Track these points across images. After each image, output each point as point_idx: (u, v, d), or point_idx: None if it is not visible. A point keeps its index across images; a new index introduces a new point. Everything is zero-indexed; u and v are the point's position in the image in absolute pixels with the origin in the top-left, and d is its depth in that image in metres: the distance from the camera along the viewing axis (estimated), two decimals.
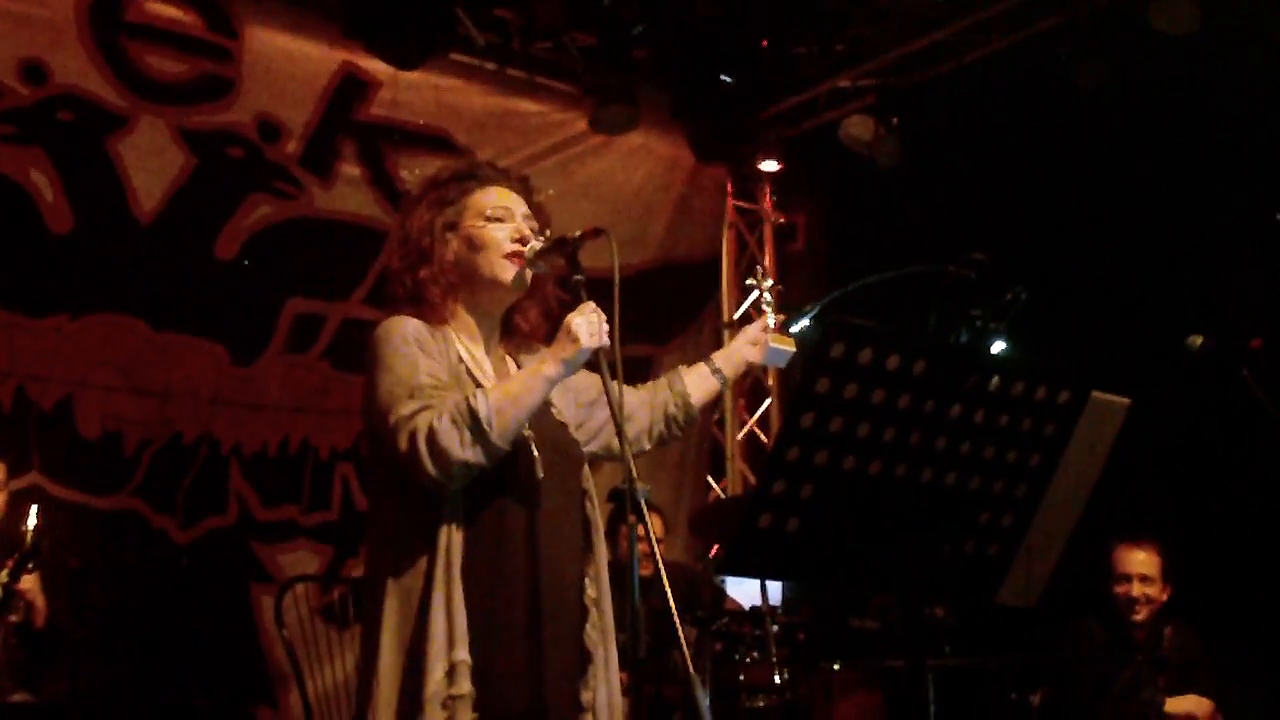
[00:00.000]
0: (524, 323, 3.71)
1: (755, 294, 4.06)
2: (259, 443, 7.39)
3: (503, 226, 3.54)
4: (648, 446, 3.90)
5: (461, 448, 3.17)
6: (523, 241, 3.51)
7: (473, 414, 3.18)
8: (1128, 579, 6.09)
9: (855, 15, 8.55)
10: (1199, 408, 6.65)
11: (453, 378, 3.38)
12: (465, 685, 3.18)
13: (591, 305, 3.34)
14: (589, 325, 3.30)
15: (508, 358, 3.68)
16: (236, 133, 7.50)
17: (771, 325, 3.93)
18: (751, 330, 4.00)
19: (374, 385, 3.35)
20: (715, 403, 4.52)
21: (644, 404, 3.86)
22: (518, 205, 3.62)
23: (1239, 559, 6.88)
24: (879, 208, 9.07)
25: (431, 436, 3.17)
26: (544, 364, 3.33)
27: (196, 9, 7.42)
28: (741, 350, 3.98)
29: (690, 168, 9.45)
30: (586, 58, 8.55)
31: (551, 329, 3.62)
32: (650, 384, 3.93)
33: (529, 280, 3.57)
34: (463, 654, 3.19)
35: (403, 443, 3.20)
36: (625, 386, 3.78)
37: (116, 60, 7.13)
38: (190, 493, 7.11)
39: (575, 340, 3.29)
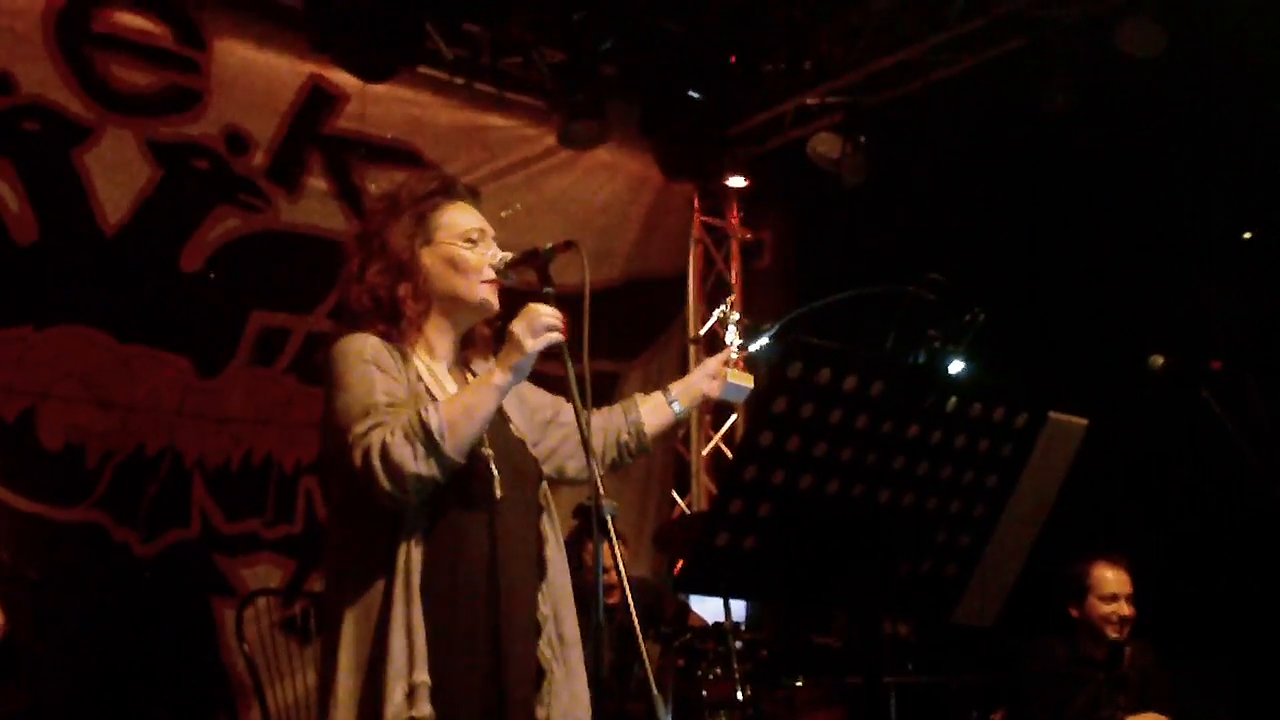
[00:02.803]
0: (475, 332, 3.74)
1: (725, 326, 4.08)
2: (222, 456, 7.36)
3: (478, 250, 3.57)
4: (600, 472, 3.91)
5: (415, 461, 3.18)
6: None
7: (425, 428, 3.19)
8: (1115, 598, 6.09)
9: (823, 33, 8.58)
10: (1158, 428, 6.69)
11: (411, 395, 3.38)
12: (425, 708, 3.18)
13: (531, 306, 3.36)
14: (530, 326, 3.31)
15: (465, 371, 3.70)
16: (203, 145, 7.48)
17: (734, 358, 3.96)
18: (711, 364, 4.03)
19: (330, 403, 3.36)
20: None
21: (598, 429, 3.87)
22: (487, 227, 3.65)
23: (1197, 579, 6.92)
24: (845, 225, 9.11)
25: (385, 452, 3.18)
26: (494, 374, 3.35)
27: (165, 20, 7.38)
28: (699, 383, 4.01)
29: (658, 184, 9.47)
30: (555, 73, 8.54)
31: (492, 335, 3.68)
32: (605, 409, 3.94)
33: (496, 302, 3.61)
34: (422, 675, 3.19)
35: (357, 459, 3.21)
36: (568, 416, 3.82)
37: (83, 71, 7.09)
38: (153, 505, 7.06)
39: (519, 346, 3.31)
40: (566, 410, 3.88)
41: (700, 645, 6.53)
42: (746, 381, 3.96)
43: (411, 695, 3.18)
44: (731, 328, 4.04)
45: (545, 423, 3.78)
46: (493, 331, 3.75)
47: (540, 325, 3.32)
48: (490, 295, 3.57)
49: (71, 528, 6.85)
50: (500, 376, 3.33)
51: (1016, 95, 7.83)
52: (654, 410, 3.97)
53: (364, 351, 3.39)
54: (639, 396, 4.01)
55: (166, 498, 7.15)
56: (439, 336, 3.61)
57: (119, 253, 7.13)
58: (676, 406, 3.99)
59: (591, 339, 3.33)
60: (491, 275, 3.55)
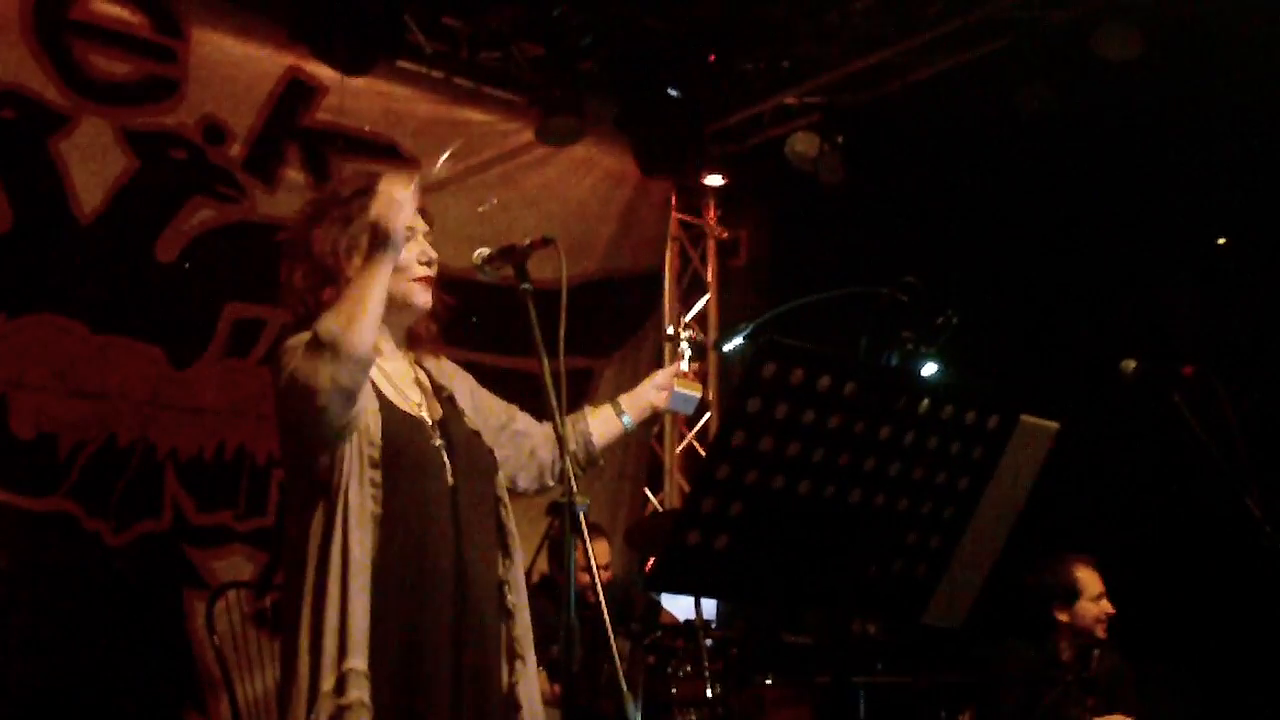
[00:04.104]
0: (421, 330, 3.75)
1: (676, 342, 4.09)
2: (195, 447, 7.33)
3: (410, 247, 3.55)
4: (550, 484, 3.92)
5: (323, 369, 3.18)
6: (429, 264, 3.54)
7: (318, 338, 3.20)
8: (1101, 597, 6.12)
9: (802, 33, 8.59)
10: (1130, 433, 6.72)
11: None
12: (354, 694, 3.16)
13: (381, 189, 3.34)
14: (388, 208, 3.30)
15: (415, 366, 3.70)
16: (180, 135, 7.45)
17: (685, 369, 3.97)
18: (661, 376, 4.06)
19: (280, 375, 3.35)
20: (655, 418, 4.57)
21: (547, 440, 3.87)
22: (420, 223, 3.63)
23: (1165, 583, 6.95)
24: (822, 224, 9.13)
25: (297, 368, 3.22)
26: (373, 261, 3.30)
27: (143, 9, 7.36)
28: (647, 394, 4.04)
29: (635, 180, 9.46)
30: (534, 68, 8.56)
31: (440, 330, 3.74)
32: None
33: (433, 299, 3.60)
34: (353, 662, 3.17)
35: (283, 380, 3.25)
36: (532, 420, 3.84)
37: (60, 59, 7.05)
38: (124, 496, 7.04)
39: (385, 238, 3.29)
40: (520, 419, 3.90)
41: (670, 643, 6.54)
42: (694, 391, 4.01)
43: (341, 682, 3.16)
44: (683, 344, 4.06)
45: (498, 429, 3.78)
46: (440, 327, 3.76)
47: (395, 201, 3.30)
48: (421, 293, 3.57)
49: (42, 517, 6.81)
50: (379, 260, 3.30)
51: (993, 98, 7.85)
52: (603, 422, 3.98)
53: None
54: (588, 409, 4.02)
55: (138, 488, 7.12)
56: (380, 336, 3.59)
57: (94, 242, 7.11)
58: (626, 419, 4.01)
59: (566, 335, 3.33)
60: (422, 272, 3.56)
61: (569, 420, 3.89)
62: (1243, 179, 7.09)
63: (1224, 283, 7.28)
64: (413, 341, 3.73)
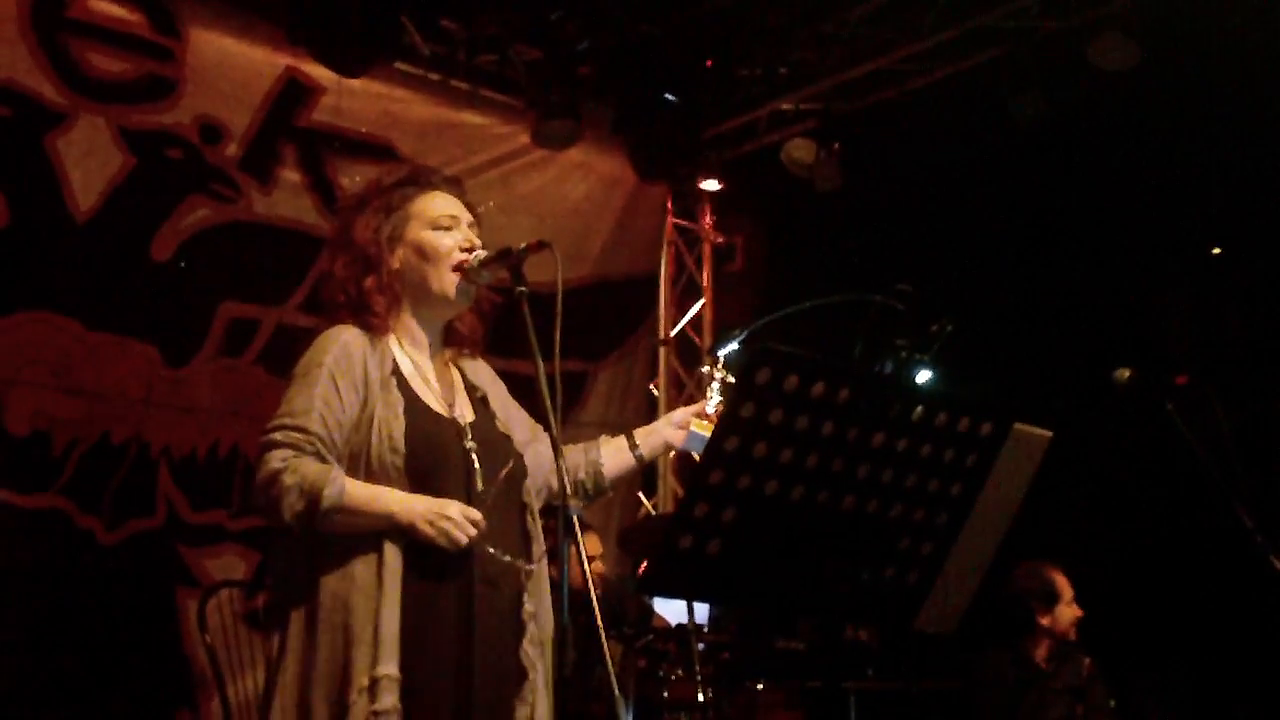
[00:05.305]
0: (462, 327, 3.72)
1: (709, 383, 4.02)
2: (189, 446, 7.32)
3: (451, 235, 3.55)
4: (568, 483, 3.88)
5: (288, 510, 3.20)
6: (471, 251, 3.52)
7: (315, 498, 3.20)
8: (1073, 600, 6.17)
9: (799, 39, 8.60)
10: (1123, 441, 6.73)
11: (369, 393, 3.37)
12: (387, 700, 3.14)
13: (459, 509, 3.31)
14: (453, 527, 3.27)
15: (450, 365, 3.68)
16: (177, 134, 7.45)
17: (710, 411, 3.91)
18: (680, 414, 3.97)
19: (287, 387, 3.37)
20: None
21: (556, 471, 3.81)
22: (463, 213, 3.63)
23: (1156, 590, 6.97)
24: (818, 230, 9.14)
25: (277, 482, 3.21)
26: (398, 511, 3.28)
27: (140, 8, 7.36)
28: (663, 432, 3.96)
29: (631, 185, 9.47)
30: (531, 72, 8.56)
31: (486, 331, 3.70)
32: (568, 447, 3.80)
33: (474, 293, 3.59)
34: (385, 669, 3.16)
35: (260, 465, 3.25)
36: (543, 446, 3.75)
37: (58, 57, 7.05)
38: (118, 494, 7.02)
39: (441, 532, 3.27)
40: (541, 442, 3.78)
41: (662, 646, 6.53)
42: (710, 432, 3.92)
43: (373, 688, 3.14)
44: (715, 384, 4.00)
45: (523, 444, 3.72)
46: (484, 326, 3.75)
47: (455, 528, 3.28)
48: (457, 282, 3.55)
49: (35, 514, 6.79)
50: (397, 517, 3.28)
51: (989, 106, 7.87)
52: (615, 453, 3.91)
53: (338, 358, 3.38)
54: (604, 438, 3.96)
55: (132, 486, 7.10)
56: (417, 326, 3.60)
57: (89, 240, 7.10)
58: (639, 453, 3.91)
59: (561, 338, 3.32)
60: (460, 259, 3.53)
61: (581, 448, 3.87)
62: (1237, 188, 7.11)
63: (1218, 292, 7.29)
64: (450, 338, 3.71)
